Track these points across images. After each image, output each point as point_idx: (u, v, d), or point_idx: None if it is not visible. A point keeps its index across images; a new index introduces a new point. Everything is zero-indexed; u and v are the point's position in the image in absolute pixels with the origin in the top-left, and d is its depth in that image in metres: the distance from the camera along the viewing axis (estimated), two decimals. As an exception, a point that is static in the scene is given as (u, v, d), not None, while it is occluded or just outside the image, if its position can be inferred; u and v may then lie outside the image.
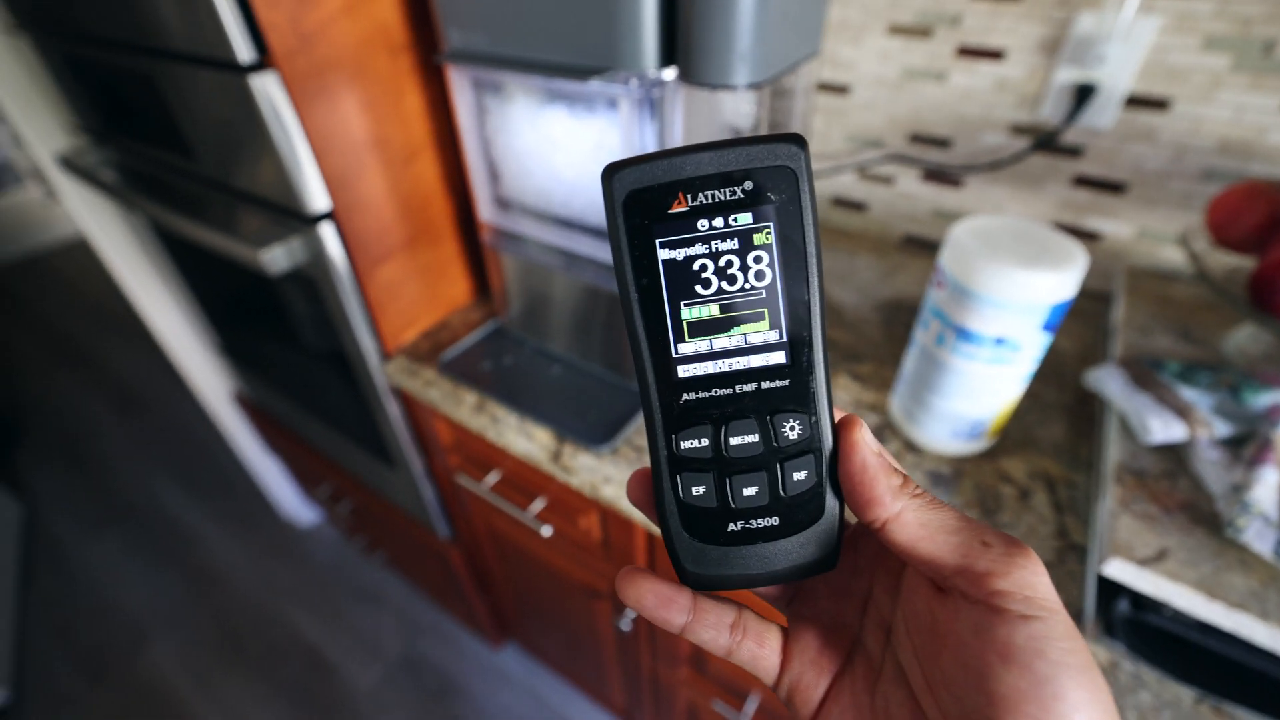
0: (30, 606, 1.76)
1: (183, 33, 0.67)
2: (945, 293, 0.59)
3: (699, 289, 0.23)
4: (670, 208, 0.22)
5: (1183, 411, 0.59)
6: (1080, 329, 0.84)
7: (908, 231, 1.04)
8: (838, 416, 0.25)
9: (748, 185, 0.22)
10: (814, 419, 0.24)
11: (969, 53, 0.85)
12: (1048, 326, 0.56)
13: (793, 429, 0.24)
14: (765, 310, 0.23)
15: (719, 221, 0.22)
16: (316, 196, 0.73)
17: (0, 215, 3.31)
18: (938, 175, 0.96)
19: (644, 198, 0.22)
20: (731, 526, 0.25)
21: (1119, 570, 0.50)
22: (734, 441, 0.24)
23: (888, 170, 1.01)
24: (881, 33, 0.90)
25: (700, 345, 0.24)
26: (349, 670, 1.58)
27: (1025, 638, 0.19)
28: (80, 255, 3.31)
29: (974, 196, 0.95)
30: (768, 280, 0.23)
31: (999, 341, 0.57)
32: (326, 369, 1.02)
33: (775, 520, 0.25)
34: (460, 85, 0.70)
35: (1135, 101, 0.78)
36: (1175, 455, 0.58)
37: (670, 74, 0.54)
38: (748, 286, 0.23)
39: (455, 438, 0.93)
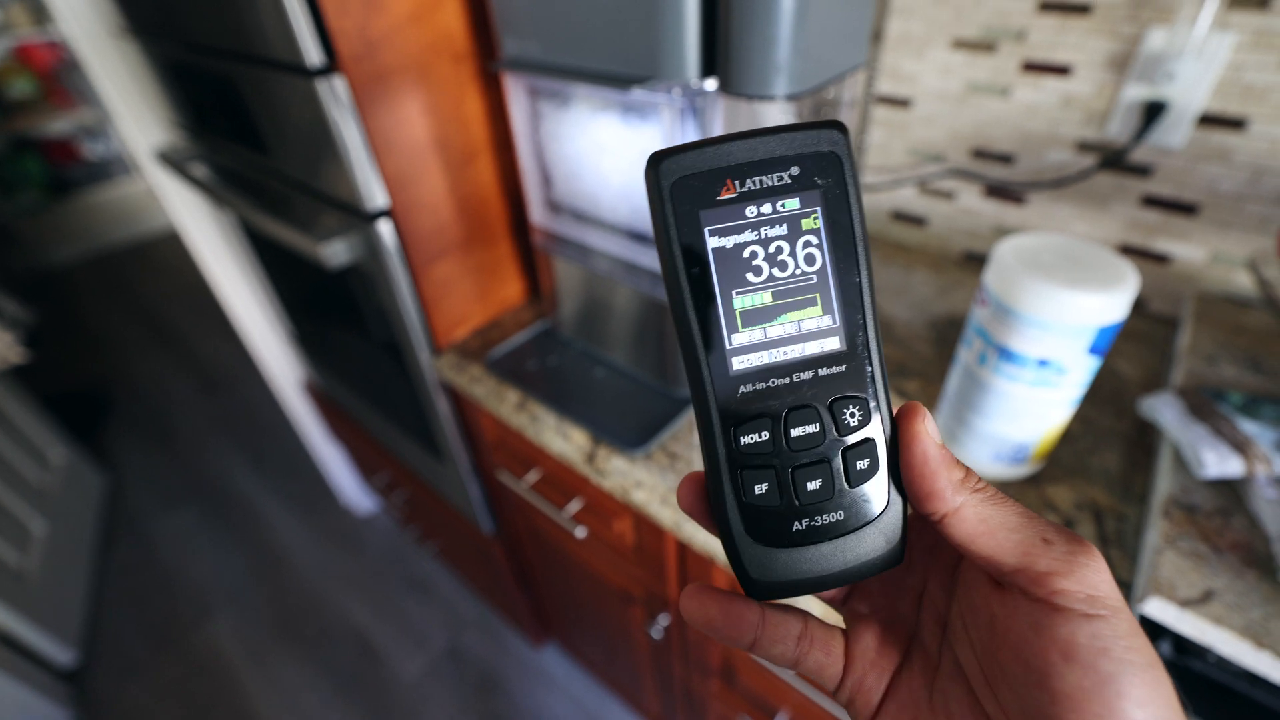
0: (106, 574, 1.87)
1: (259, 37, 0.71)
2: (988, 311, 0.58)
3: (751, 277, 0.23)
4: (719, 194, 0.22)
5: (1241, 446, 0.55)
6: (1145, 354, 0.81)
7: (967, 248, 1.02)
8: (898, 405, 0.24)
9: (794, 170, 0.22)
10: (874, 404, 0.23)
11: (1034, 68, 0.83)
12: (1095, 350, 0.54)
13: (853, 415, 0.23)
14: (818, 295, 0.23)
15: (767, 208, 0.22)
16: (376, 195, 0.77)
17: (112, 203, 3.56)
18: (1000, 191, 0.94)
19: (691, 185, 0.22)
20: (796, 525, 0.24)
21: (1159, 610, 0.48)
22: (795, 433, 0.23)
23: (949, 185, 0.99)
24: (944, 46, 0.89)
25: (755, 335, 0.23)
26: (395, 659, 1.63)
27: (1088, 636, 0.18)
28: (180, 243, 3.52)
29: (1037, 214, 0.92)
30: (818, 265, 0.23)
31: (1042, 363, 0.55)
32: (384, 362, 1.06)
33: (840, 515, 0.24)
34: (515, 91, 0.72)
35: (1209, 120, 0.74)
36: (1232, 492, 0.55)
37: (711, 84, 0.55)
38: (799, 272, 0.23)
39: (499, 435, 0.96)
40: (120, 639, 1.71)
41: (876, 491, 0.24)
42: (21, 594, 1.50)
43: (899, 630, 0.25)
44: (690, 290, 0.23)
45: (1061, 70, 0.81)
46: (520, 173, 0.80)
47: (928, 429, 0.23)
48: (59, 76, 3.18)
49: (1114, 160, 0.81)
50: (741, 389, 0.23)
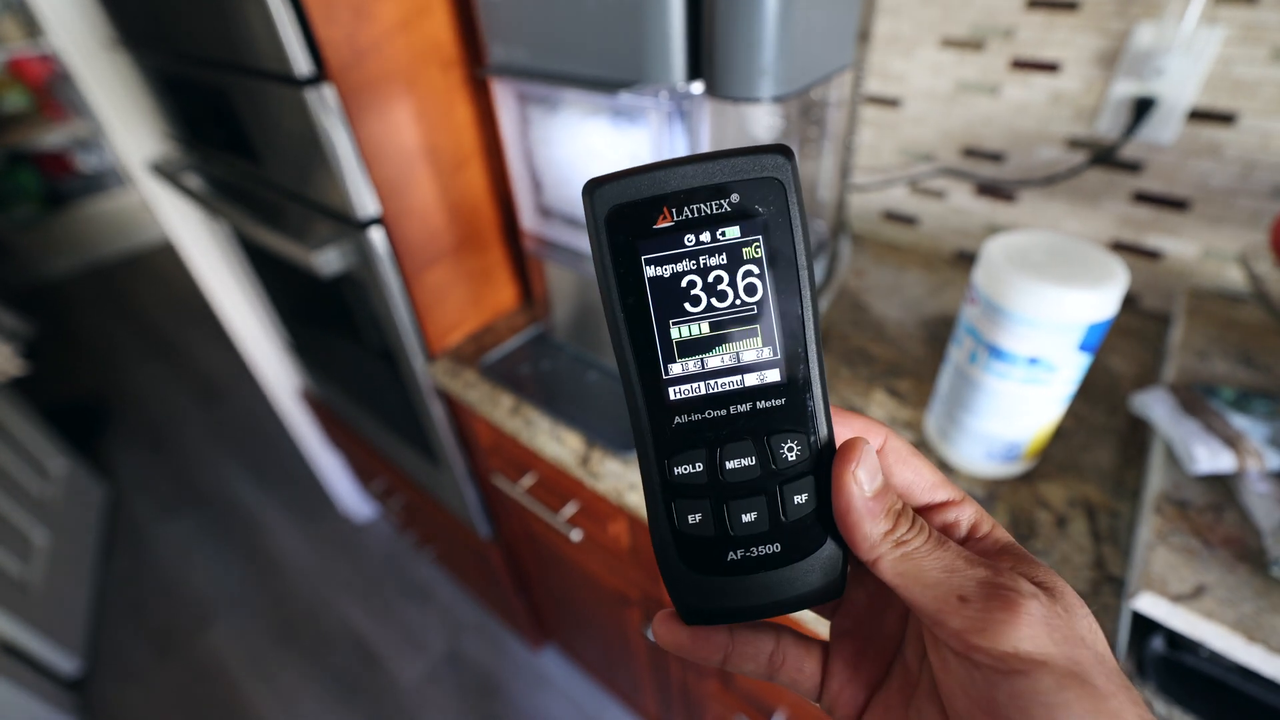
0: (107, 583, 1.87)
1: (249, 48, 0.71)
2: (978, 310, 0.58)
3: (688, 307, 0.23)
4: (655, 223, 0.22)
5: (1232, 441, 0.55)
6: (1138, 351, 0.81)
7: (959, 247, 1.02)
8: (849, 435, 0.24)
9: (734, 198, 0.22)
10: (812, 439, 0.23)
11: (1023, 65, 0.83)
12: (1085, 347, 0.54)
13: (791, 450, 0.23)
14: (758, 327, 0.23)
15: (706, 236, 0.22)
16: (368, 203, 0.77)
17: (107, 215, 3.56)
18: (991, 190, 0.94)
19: (627, 213, 0.22)
20: (731, 555, 0.24)
21: (1150, 605, 0.48)
22: (730, 465, 0.23)
23: (939, 184, 0.99)
24: (933, 45, 0.89)
25: (691, 365, 0.23)
26: (394, 664, 1.63)
27: (1006, 695, 0.18)
28: (175, 253, 3.52)
29: (1028, 212, 0.92)
30: (759, 295, 0.22)
31: (1032, 361, 0.55)
32: (379, 368, 1.06)
33: (776, 547, 0.24)
34: (504, 97, 0.72)
35: (1199, 115, 0.74)
36: (1223, 487, 0.55)
37: (697, 87, 0.55)
38: (739, 303, 0.22)
39: (493, 439, 0.96)
40: (122, 647, 1.71)
41: (815, 525, 0.24)
42: (25, 603, 1.50)
43: (882, 646, 0.26)
44: (626, 320, 0.23)
45: (1050, 67, 0.81)
46: (510, 178, 0.80)
47: (857, 477, 0.22)
48: (52, 89, 3.18)
49: (1104, 157, 0.81)
50: (677, 419, 0.23)
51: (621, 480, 0.72)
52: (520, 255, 0.98)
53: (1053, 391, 0.58)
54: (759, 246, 0.22)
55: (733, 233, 0.22)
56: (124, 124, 1.17)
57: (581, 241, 0.77)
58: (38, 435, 1.89)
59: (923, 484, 0.24)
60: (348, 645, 1.68)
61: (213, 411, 2.48)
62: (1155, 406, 0.61)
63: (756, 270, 0.22)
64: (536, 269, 0.86)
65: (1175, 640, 0.50)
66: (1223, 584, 0.48)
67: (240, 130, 0.87)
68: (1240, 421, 0.58)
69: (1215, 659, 0.48)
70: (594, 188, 0.22)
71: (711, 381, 0.23)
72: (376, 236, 0.80)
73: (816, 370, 0.23)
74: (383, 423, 1.26)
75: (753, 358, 0.23)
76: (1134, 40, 0.74)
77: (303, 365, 1.51)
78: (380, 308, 0.89)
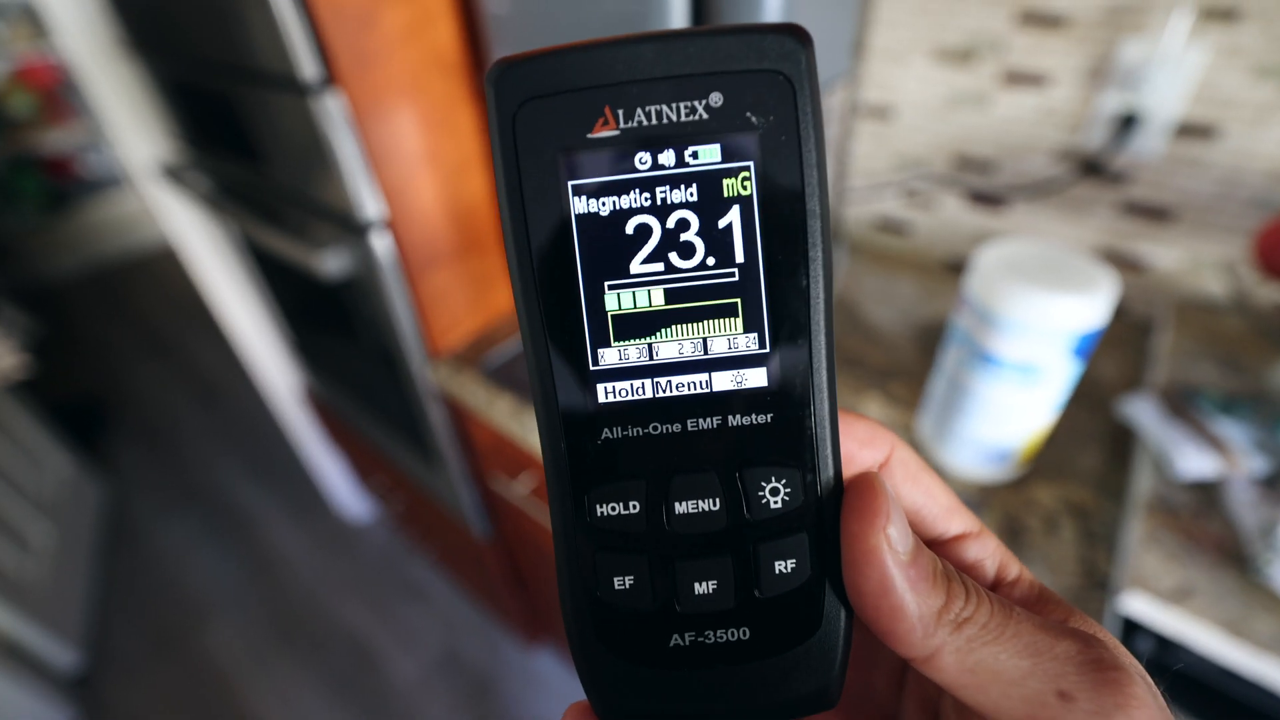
0: (108, 581, 1.88)
1: (257, 53, 0.73)
2: (970, 316, 0.59)
3: (635, 264, 0.15)
4: (591, 129, 0.15)
5: (1217, 445, 0.57)
6: (1127, 358, 0.82)
7: (951, 255, 1.03)
8: (854, 455, 0.17)
9: (715, 99, 0.15)
10: (810, 478, 0.16)
11: (1014, 78, 0.85)
12: (1077, 354, 0.55)
13: (776, 492, 0.16)
14: (739, 301, 0.16)
15: (668, 157, 0.15)
16: (371, 207, 0.78)
17: (110, 218, 3.57)
18: (982, 199, 0.95)
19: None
20: (677, 640, 0.17)
21: (1138, 606, 0.49)
22: (680, 508, 0.16)
23: (932, 193, 1.00)
24: (926, 57, 0.90)
25: (634, 351, 0.16)
26: (391, 663, 1.64)
27: None
28: (176, 256, 3.54)
29: (1018, 221, 0.93)
30: (745, 253, 0.15)
31: (1024, 367, 0.57)
32: (379, 369, 1.07)
33: (745, 632, 0.16)
34: (507, 104, 0.73)
35: (1184, 129, 0.76)
36: (1209, 491, 0.56)
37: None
38: (712, 262, 0.15)
39: (493, 441, 0.97)
40: (122, 644, 1.71)
41: (806, 605, 0.16)
42: (26, 601, 1.50)
43: (868, 712, 0.20)
44: (538, 275, 0.16)
45: (1040, 80, 0.83)
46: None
47: (890, 536, 0.15)
48: (56, 93, 3.20)
49: (1092, 168, 0.83)
50: (606, 432, 0.16)
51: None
52: (521, 259, 0.99)
53: (1044, 397, 0.59)
54: (748, 179, 0.15)
55: (710, 154, 0.15)
56: (130, 127, 1.18)
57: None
58: (39, 434, 1.90)
59: (935, 510, 0.18)
60: (345, 644, 1.68)
61: (212, 411, 2.49)
62: (1142, 412, 0.63)
63: (743, 215, 0.15)
64: (537, 273, 0.87)
65: (1162, 641, 0.51)
66: (1209, 586, 0.49)
67: (246, 134, 0.88)
68: (1225, 427, 0.59)
69: (1201, 660, 0.49)
70: (502, 71, 0.15)
71: (662, 379, 0.16)
72: (379, 240, 0.81)
73: (825, 374, 0.16)
74: (381, 423, 1.27)
75: (726, 347, 0.16)
76: (1121, 55, 0.75)
77: (302, 366, 1.52)
78: (382, 310, 0.90)
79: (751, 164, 0.15)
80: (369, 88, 0.72)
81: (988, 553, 0.18)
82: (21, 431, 1.83)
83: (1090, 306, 0.52)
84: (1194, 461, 0.56)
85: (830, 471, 0.16)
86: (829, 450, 0.16)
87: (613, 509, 0.16)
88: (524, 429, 0.81)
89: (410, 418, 1.09)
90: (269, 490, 2.13)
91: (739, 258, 0.15)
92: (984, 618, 0.15)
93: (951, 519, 0.18)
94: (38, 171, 3.24)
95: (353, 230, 0.82)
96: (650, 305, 0.16)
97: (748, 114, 0.15)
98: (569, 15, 0.59)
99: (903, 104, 0.96)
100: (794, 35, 0.14)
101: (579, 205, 0.15)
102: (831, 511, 0.16)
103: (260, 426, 2.37)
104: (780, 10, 0.50)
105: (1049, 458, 0.69)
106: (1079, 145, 0.84)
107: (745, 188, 0.15)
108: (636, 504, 0.16)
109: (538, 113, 0.15)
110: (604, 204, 0.15)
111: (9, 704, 1.37)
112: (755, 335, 0.16)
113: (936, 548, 0.18)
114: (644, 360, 0.16)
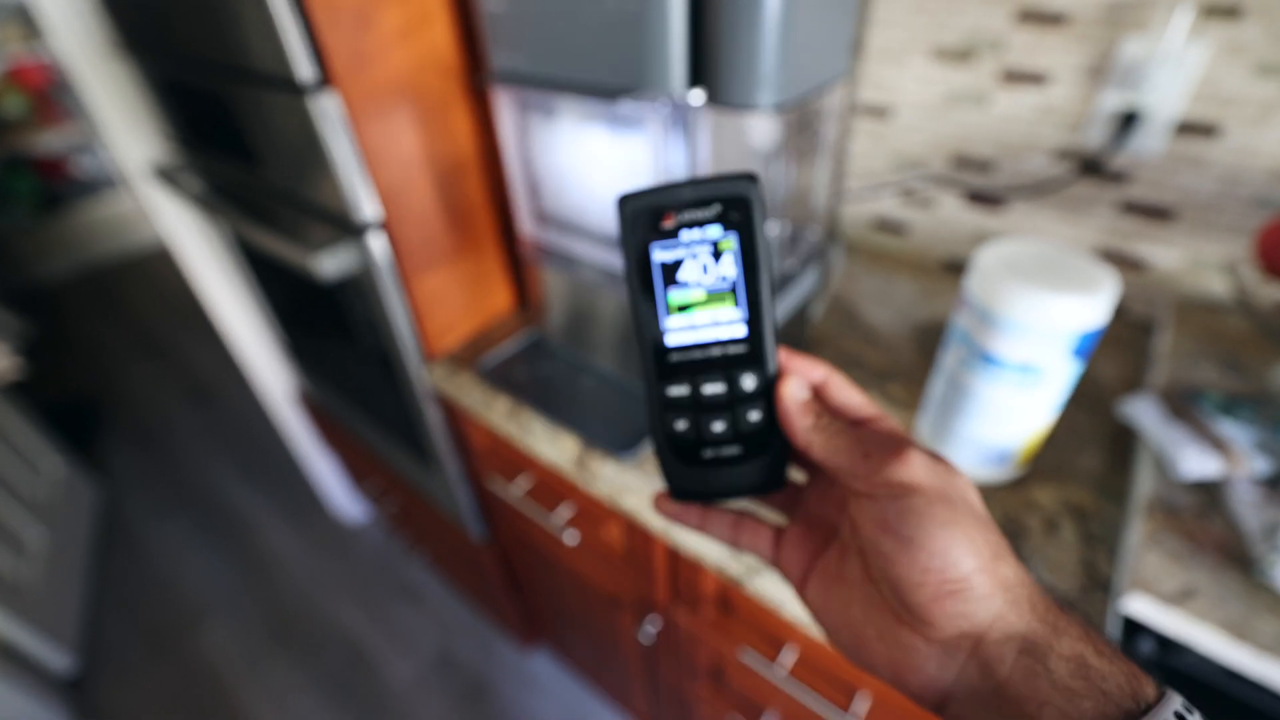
0: (102, 582, 1.87)
1: (253, 53, 0.72)
2: (971, 316, 0.59)
3: (683, 280, 0.31)
4: (662, 223, 0.30)
5: (1219, 446, 0.56)
6: (1126, 358, 0.82)
7: (949, 255, 1.03)
8: (793, 369, 0.32)
9: (716, 208, 0.30)
10: (765, 374, 0.31)
11: (1013, 76, 0.84)
12: (1077, 354, 0.55)
13: (748, 381, 0.31)
14: (730, 295, 0.31)
15: (696, 233, 0.30)
16: (368, 207, 0.77)
17: (103, 219, 3.56)
18: (980, 199, 0.95)
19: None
20: (705, 453, 0.32)
21: (1140, 607, 0.49)
22: (706, 390, 0.32)
23: (930, 193, 1.00)
24: (924, 56, 0.90)
25: (683, 320, 0.31)
26: (386, 665, 1.63)
27: (893, 513, 0.26)
28: (170, 257, 3.52)
29: (1017, 221, 0.93)
30: (732, 275, 0.30)
31: (1024, 368, 0.56)
32: (375, 371, 1.06)
33: (737, 449, 0.32)
34: (504, 104, 0.73)
35: (1185, 128, 0.76)
36: (1211, 491, 0.56)
37: (697, 95, 0.56)
38: (719, 278, 0.31)
39: (489, 443, 0.96)
40: (117, 646, 1.71)
41: (762, 434, 0.32)
42: (20, 603, 1.50)
43: (823, 527, 0.33)
44: (641, 288, 0.31)
45: (1039, 79, 0.83)
46: (508, 184, 0.81)
47: (790, 390, 0.31)
48: (49, 94, 3.18)
49: (1091, 167, 0.82)
50: (671, 357, 0.32)
51: (617, 484, 0.72)
52: (517, 260, 0.99)
53: (1044, 398, 0.58)
54: (732, 241, 0.30)
55: (715, 231, 0.30)
56: (124, 128, 1.17)
57: (578, 247, 0.78)
58: (33, 436, 1.89)
59: (854, 405, 0.31)
60: (339, 646, 1.68)
61: (206, 413, 2.48)
62: (1143, 413, 0.62)
63: (730, 257, 0.30)
64: (533, 274, 0.87)
65: (1165, 642, 0.51)
66: (1211, 587, 0.48)
67: (241, 135, 0.87)
68: (1227, 427, 0.59)
69: (1204, 660, 0.49)
70: (625, 201, 0.31)
71: (697, 332, 0.31)
72: (376, 241, 0.80)
73: (769, 327, 0.31)
74: (377, 425, 1.26)
75: (726, 316, 0.31)
76: (1122, 53, 0.75)
77: (297, 367, 1.51)
78: (378, 311, 0.90)
79: (735, 235, 0.30)
80: (365, 88, 0.72)
81: (886, 425, 0.30)
82: (15, 433, 1.82)
83: (1091, 306, 0.52)
84: (1196, 462, 0.56)
85: (773, 371, 0.31)
86: (772, 362, 0.31)
87: (675, 392, 0.32)
88: (521, 430, 0.81)
89: (406, 420, 1.08)
90: (263, 491, 2.12)
91: (730, 276, 0.31)
92: (835, 427, 0.30)
93: (865, 409, 0.31)
94: (30, 172, 3.23)
95: (348, 231, 0.81)
96: (691, 299, 0.31)
97: (731, 214, 0.30)
98: (567, 14, 0.58)
99: (901, 103, 0.96)
100: (750, 179, 0.30)
101: (657, 255, 0.31)
102: (773, 389, 0.31)
103: (255, 427, 2.36)
104: (779, 12, 0.50)
105: (1049, 459, 0.68)
106: (1079, 144, 0.84)
107: (731, 245, 0.30)
108: (686, 389, 0.32)
109: (640, 216, 0.30)
110: (669, 254, 0.31)
111: (5, 705, 1.36)
112: (739, 310, 0.31)
113: (858, 425, 0.30)
114: (688, 324, 0.31)
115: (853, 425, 0.30)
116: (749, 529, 0.34)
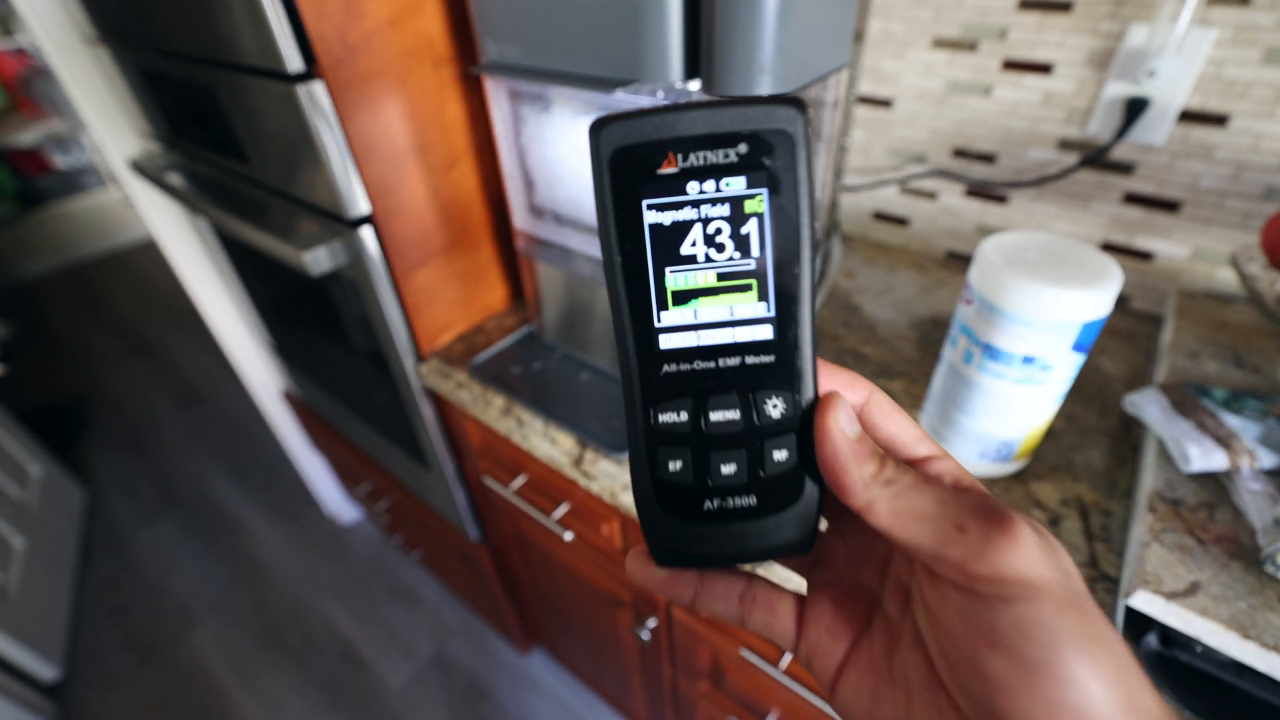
0: (87, 588, 1.84)
1: (237, 44, 0.70)
2: (973, 309, 0.58)
3: (685, 255, 0.22)
4: (659, 168, 0.21)
5: (1225, 440, 0.56)
6: (1128, 352, 0.81)
7: (950, 248, 1.02)
8: (833, 388, 0.24)
9: (742, 148, 0.21)
10: (798, 397, 0.23)
11: (1015, 66, 0.83)
12: (1079, 347, 0.54)
13: (775, 407, 0.23)
14: (754, 282, 0.22)
15: (710, 185, 0.21)
16: (358, 201, 0.76)
17: (84, 214, 3.51)
18: (982, 191, 0.94)
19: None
20: (708, 504, 0.24)
21: (1145, 602, 0.48)
22: (714, 417, 0.23)
23: (930, 185, 0.99)
24: (925, 46, 0.89)
25: (684, 315, 0.23)
26: (381, 667, 1.62)
27: (1009, 622, 0.18)
28: (155, 253, 3.48)
29: (1019, 213, 0.92)
30: (759, 250, 0.22)
31: (1027, 360, 0.55)
32: (367, 369, 1.05)
33: (753, 500, 0.24)
34: (497, 95, 0.72)
35: (1190, 117, 0.75)
36: (1216, 485, 0.55)
37: (694, 86, 0.55)
38: (737, 256, 0.22)
39: (484, 440, 0.95)
40: (103, 653, 1.68)
41: (792, 482, 0.24)
42: (2, 610, 1.47)
43: (860, 598, 0.25)
44: (623, 264, 0.22)
45: (1042, 68, 0.82)
46: (502, 177, 0.79)
47: (839, 423, 0.22)
48: (26, 86, 3.13)
49: (1095, 158, 0.82)
50: (666, 368, 0.23)
51: (615, 480, 0.71)
52: (511, 255, 0.98)
53: (1047, 391, 0.58)
54: (762, 200, 0.21)
55: (737, 184, 0.21)
56: (104, 121, 1.15)
57: (573, 241, 0.76)
58: (14, 439, 1.86)
59: (906, 438, 0.24)
60: (333, 649, 1.66)
61: (193, 413, 2.45)
62: (1148, 406, 0.62)
63: (758, 225, 0.22)
64: (528, 269, 0.85)
65: (1170, 637, 0.50)
66: (1216, 581, 0.48)
67: (226, 127, 0.85)
68: (1232, 421, 0.58)
69: (1210, 655, 0.48)
70: (601, 126, 0.21)
71: (703, 332, 0.23)
72: (367, 235, 0.79)
73: (808, 331, 0.23)
74: (370, 424, 1.24)
75: (746, 312, 0.23)
76: (1127, 41, 0.74)
77: (286, 366, 1.49)
78: (370, 308, 0.88)
79: (765, 191, 0.21)
80: (354, 78, 0.70)
81: (946, 469, 0.23)
82: (-4, 436, 1.79)
83: (1094, 299, 0.51)
84: (1202, 456, 0.55)
85: (810, 394, 0.23)
86: (810, 381, 0.23)
87: (670, 418, 0.24)
88: (517, 427, 0.80)
89: (400, 418, 1.07)
90: (253, 493, 2.10)
91: (755, 253, 0.22)
92: (907, 480, 0.21)
93: (919, 445, 0.24)
94: (8, 166, 3.17)
95: (339, 225, 0.79)
96: (696, 284, 0.22)
97: (763, 158, 0.21)
98: (560, 2, 0.57)
99: (901, 94, 0.95)
100: (795, 105, 0.21)
101: (651, 217, 0.22)
102: (810, 420, 0.23)
103: (243, 428, 2.33)
104: (778, 1, 0.48)
105: (1052, 453, 0.68)
106: (1082, 135, 0.83)
107: (760, 206, 0.22)
108: (685, 414, 0.23)
109: (626, 156, 0.21)
110: (667, 216, 0.22)
111: (-14, 715, 1.34)
112: (764, 304, 0.23)
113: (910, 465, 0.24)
114: (691, 320, 0.23)
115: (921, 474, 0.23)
116: (762, 600, 0.26)
